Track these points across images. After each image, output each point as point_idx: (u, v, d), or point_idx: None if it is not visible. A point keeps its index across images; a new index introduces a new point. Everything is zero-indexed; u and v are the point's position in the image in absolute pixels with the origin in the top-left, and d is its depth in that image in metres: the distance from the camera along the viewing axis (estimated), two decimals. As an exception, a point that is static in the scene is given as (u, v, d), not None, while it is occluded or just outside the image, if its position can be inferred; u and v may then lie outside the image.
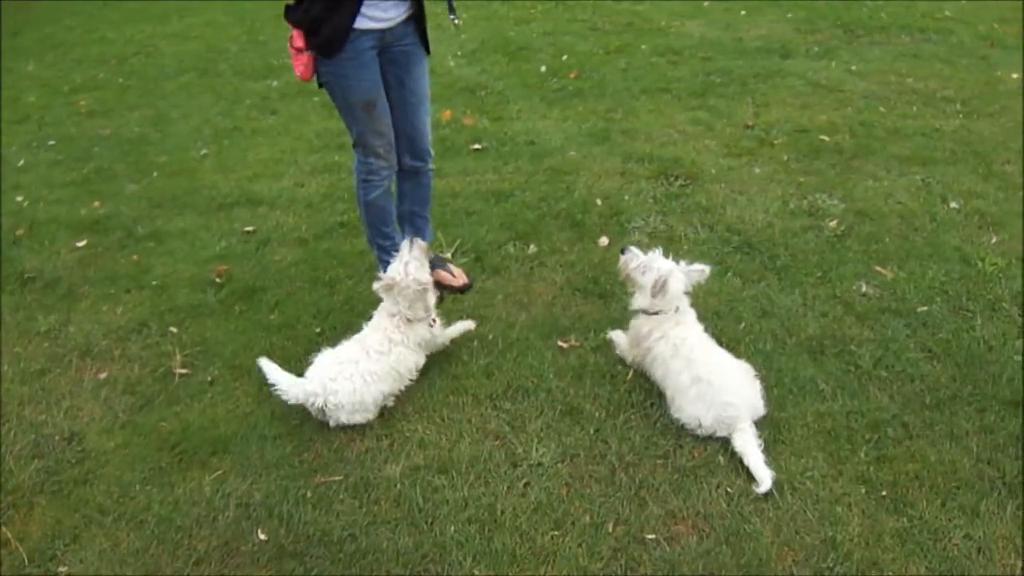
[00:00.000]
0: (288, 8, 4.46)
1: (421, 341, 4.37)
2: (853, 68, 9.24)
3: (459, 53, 10.63)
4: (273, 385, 4.11)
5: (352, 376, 4.07)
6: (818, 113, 7.92)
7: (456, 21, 5.07)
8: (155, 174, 7.55)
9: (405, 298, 4.30)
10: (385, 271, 4.86)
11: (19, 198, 7.20)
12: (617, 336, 4.62)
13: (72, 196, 7.18)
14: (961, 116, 7.74)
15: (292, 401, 4.07)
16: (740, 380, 4.10)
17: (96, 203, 6.97)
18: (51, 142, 8.67)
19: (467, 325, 4.76)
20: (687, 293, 4.31)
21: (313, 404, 4.05)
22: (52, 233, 6.44)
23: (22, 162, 8.14)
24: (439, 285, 5.17)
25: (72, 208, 6.91)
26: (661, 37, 11.00)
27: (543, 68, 9.87)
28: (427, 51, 4.78)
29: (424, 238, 5.25)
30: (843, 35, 10.63)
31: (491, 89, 9.17)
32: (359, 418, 4.13)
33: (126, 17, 14.94)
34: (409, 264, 4.33)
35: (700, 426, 3.97)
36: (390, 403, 4.28)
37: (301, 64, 4.49)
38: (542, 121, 8.09)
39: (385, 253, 5.09)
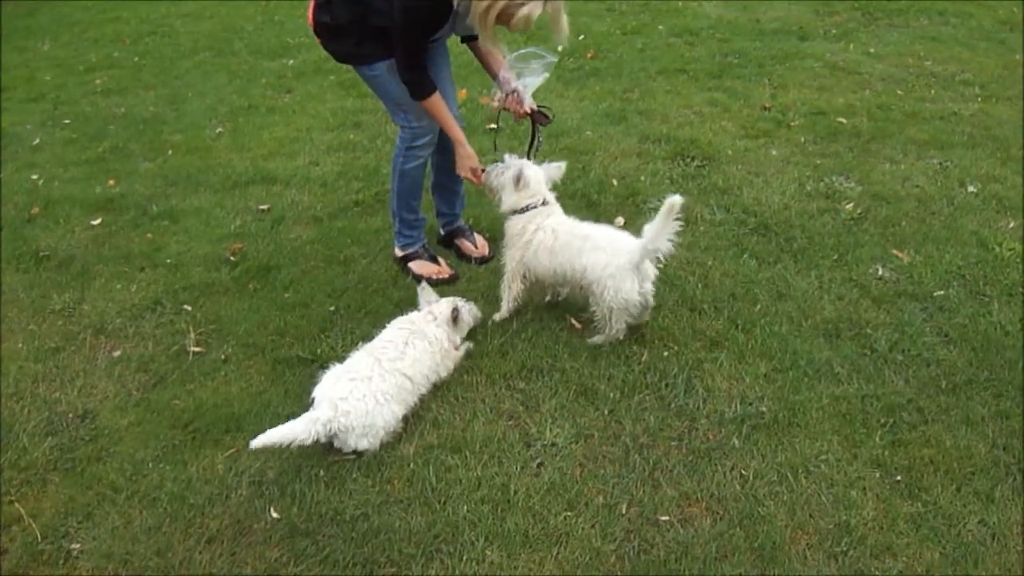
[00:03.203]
0: (317, 6, 4.58)
1: (438, 342, 4.20)
2: (871, 50, 9.19)
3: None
4: (285, 442, 3.61)
5: (364, 396, 3.79)
6: (836, 95, 7.88)
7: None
8: (170, 152, 7.55)
9: (443, 316, 4.31)
10: (402, 246, 4.96)
11: (34, 176, 7.20)
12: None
13: (87, 174, 7.18)
14: (980, 100, 7.69)
15: (309, 441, 3.64)
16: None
17: (111, 181, 6.96)
18: (66, 121, 8.67)
19: (468, 346, 4.56)
20: (551, 189, 4.71)
21: (328, 429, 3.70)
22: (67, 211, 6.44)
23: (37, 140, 8.14)
24: (459, 253, 5.41)
25: (87, 186, 6.91)
26: (678, 17, 10.95)
27: (560, 48, 9.83)
28: None
29: (456, 209, 5.35)
30: (861, 17, 10.57)
31: (507, 69, 9.13)
32: (367, 443, 3.83)
33: (141, -3, 14.96)
34: (459, 302, 4.44)
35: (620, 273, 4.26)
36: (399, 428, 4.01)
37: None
38: (559, 101, 8.05)
39: (407, 227, 5.18)
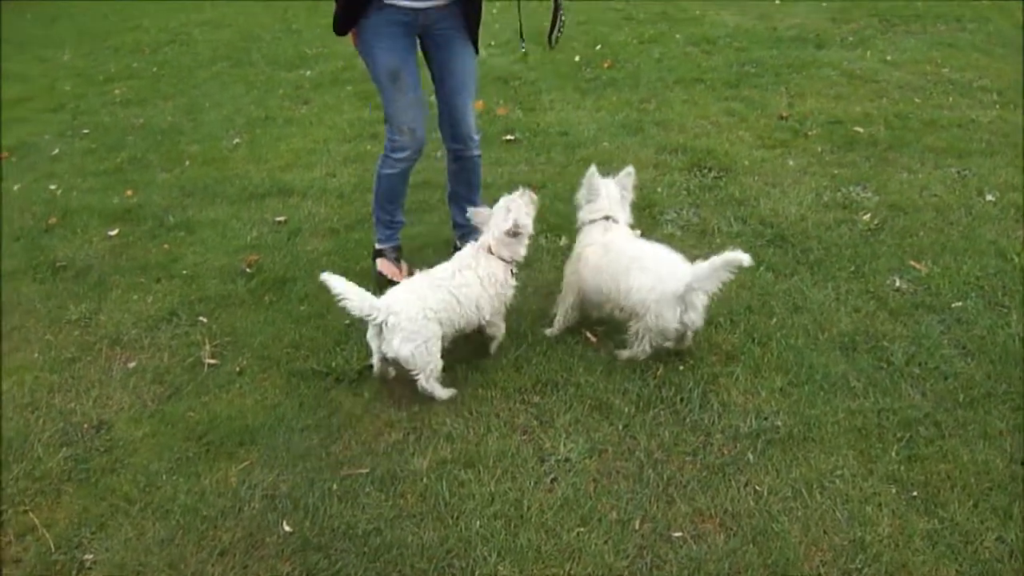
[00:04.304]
0: None
1: (490, 275, 4.37)
2: (888, 58, 9.16)
3: (492, 43, 10.60)
4: (339, 296, 4.02)
5: (414, 303, 4.11)
6: (853, 104, 7.85)
7: (523, 48, 5.27)
8: (187, 163, 7.58)
9: (499, 229, 4.38)
10: (377, 240, 5.20)
11: (53, 186, 7.25)
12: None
13: (105, 185, 7.23)
14: (998, 107, 7.65)
15: (355, 312, 4.05)
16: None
17: (128, 192, 7.00)
18: (85, 131, 8.74)
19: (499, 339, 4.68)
20: (625, 198, 4.72)
21: (374, 321, 4.07)
22: (84, 221, 6.48)
23: (56, 151, 8.20)
24: None
25: (105, 197, 6.95)
26: (695, 26, 10.95)
27: (577, 58, 9.85)
28: (475, 49, 4.93)
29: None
30: (878, 24, 10.55)
31: (524, 79, 9.15)
32: (409, 350, 4.06)
33: (161, 6, 15.01)
34: (513, 202, 4.43)
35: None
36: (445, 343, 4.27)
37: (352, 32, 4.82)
38: (575, 112, 8.07)
39: (382, 225, 5.31)
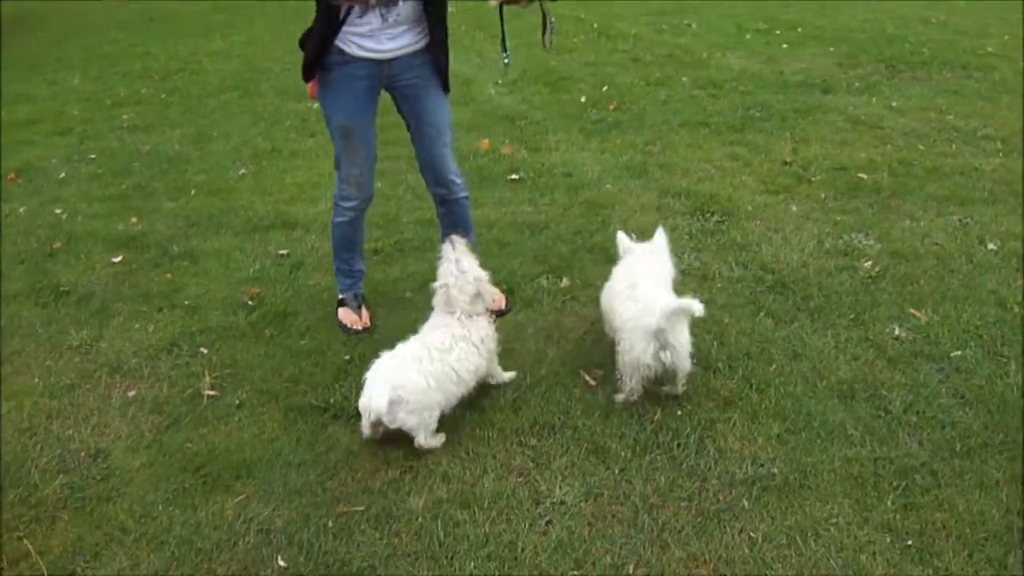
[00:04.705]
0: None
1: (483, 338, 4.40)
2: (894, 104, 9.20)
3: (500, 81, 10.67)
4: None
5: (419, 374, 4.09)
6: (857, 150, 7.87)
7: (507, 61, 5.18)
8: (192, 192, 7.61)
9: (466, 294, 4.38)
10: (341, 290, 5.23)
11: (58, 210, 7.29)
12: None
13: (110, 211, 7.26)
14: (1001, 155, 7.67)
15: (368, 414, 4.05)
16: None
17: (133, 219, 7.03)
18: (92, 156, 8.78)
19: (511, 375, 4.70)
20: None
21: (379, 405, 3.99)
22: (88, 247, 6.51)
23: (63, 174, 8.24)
24: None
25: (109, 223, 6.98)
26: (702, 69, 11.00)
27: (583, 99, 9.89)
28: (446, 88, 4.88)
29: None
30: (884, 70, 10.60)
31: (530, 119, 9.19)
32: (414, 421, 4.06)
33: (171, 33, 15.11)
34: (460, 261, 4.44)
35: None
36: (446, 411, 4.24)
37: (311, 82, 4.79)
38: (580, 153, 8.09)
39: (341, 274, 5.35)
